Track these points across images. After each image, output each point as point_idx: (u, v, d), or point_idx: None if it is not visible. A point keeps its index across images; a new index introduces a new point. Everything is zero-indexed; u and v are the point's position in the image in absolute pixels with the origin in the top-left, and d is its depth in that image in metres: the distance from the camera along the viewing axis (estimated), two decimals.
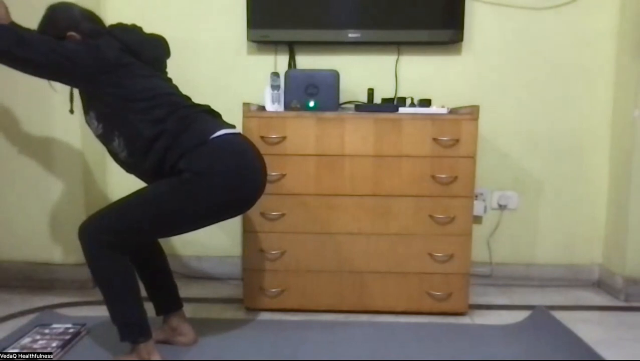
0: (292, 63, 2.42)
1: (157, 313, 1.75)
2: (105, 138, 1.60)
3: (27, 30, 1.58)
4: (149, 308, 1.61)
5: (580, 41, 2.40)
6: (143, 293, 1.59)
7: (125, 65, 1.53)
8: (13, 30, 1.44)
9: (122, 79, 1.52)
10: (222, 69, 2.45)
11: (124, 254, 1.52)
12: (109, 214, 1.53)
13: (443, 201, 2.00)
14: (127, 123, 1.52)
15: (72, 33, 1.56)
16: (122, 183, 2.54)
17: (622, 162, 2.35)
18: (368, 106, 2.20)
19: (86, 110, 1.62)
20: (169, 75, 1.74)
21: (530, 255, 2.52)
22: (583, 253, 2.52)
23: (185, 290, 2.34)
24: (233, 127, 1.63)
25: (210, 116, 1.63)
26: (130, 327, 1.52)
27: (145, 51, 1.61)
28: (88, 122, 1.63)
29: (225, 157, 1.52)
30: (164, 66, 1.73)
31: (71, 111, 1.78)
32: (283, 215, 2.02)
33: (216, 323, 1.96)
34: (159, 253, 1.77)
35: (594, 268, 2.52)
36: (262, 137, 1.97)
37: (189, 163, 1.48)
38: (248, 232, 2.04)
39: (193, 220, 1.56)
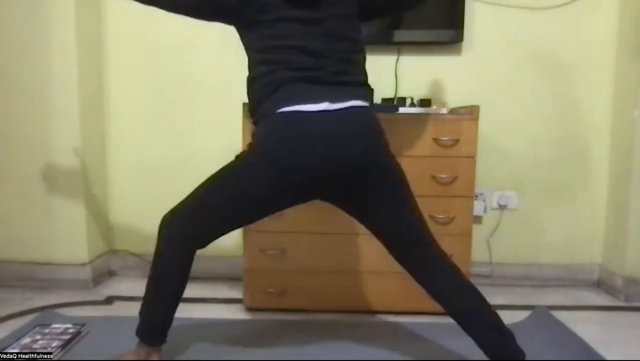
0: None
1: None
2: None
3: None
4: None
5: (580, 41, 2.40)
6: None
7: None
8: None
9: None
10: (222, 68, 2.45)
11: (192, 253, 1.47)
12: (187, 202, 1.46)
13: (443, 201, 2.00)
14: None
15: None
16: (122, 182, 2.55)
17: (622, 162, 2.35)
18: None
19: None
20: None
21: (530, 255, 2.52)
22: (583, 253, 2.52)
23: (185, 289, 2.34)
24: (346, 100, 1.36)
25: (308, 85, 1.36)
26: (149, 326, 1.51)
27: None
28: None
29: (273, 144, 1.36)
30: None
31: None
32: (283, 214, 2.02)
33: (216, 323, 1.96)
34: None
35: (594, 268, 2.52)
36: None
37: (255, 135, 1.41)
38: (248, 231, 2.04)
39: (250, 205, 1.43)
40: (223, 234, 1.50)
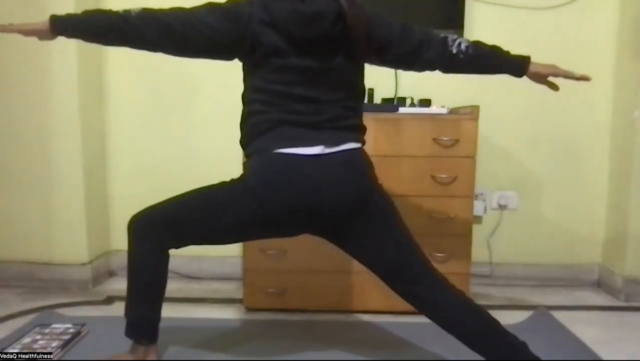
0: None
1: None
2: None
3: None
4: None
5: (580, 41, 2.40)
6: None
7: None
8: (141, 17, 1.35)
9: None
10: (222, 69, 2.44)
11: (164, 250, 1.48)
12: (163, 206, 1.47)
13: (443, 201, 2.00)
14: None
15: None
16: (122, 182, 2.55)
17: (622, 162, 2.35)
18: (368, 106, 2.18)
19: None
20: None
21: (530, 255, 2.52)
22: (583, 253, 2.52)
23: (185, 290, 2.34)
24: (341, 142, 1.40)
25: (303, 129, 1.38)
26: (136, 325, 1.51)
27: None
28: None
29: (267, 188, 1.37)
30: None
31: None
32: None
33: (216, 323, 1.96)
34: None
35: (594, 268, 2.52)
36: None
37: (247, 168, 1.43)
38: None
39: (226, 229, 1.46)
40: (192, 244, 1.52)
